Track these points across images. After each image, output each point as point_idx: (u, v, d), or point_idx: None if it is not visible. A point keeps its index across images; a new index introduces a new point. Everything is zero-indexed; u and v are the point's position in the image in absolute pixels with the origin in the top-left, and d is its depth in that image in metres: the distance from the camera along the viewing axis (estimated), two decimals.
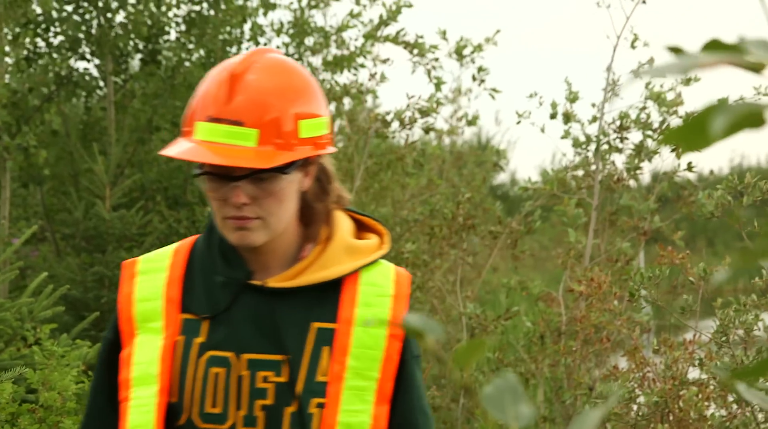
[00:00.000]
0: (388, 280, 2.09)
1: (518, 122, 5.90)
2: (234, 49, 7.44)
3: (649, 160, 5.63)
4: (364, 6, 7.46)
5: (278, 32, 7.58)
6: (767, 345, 4.19)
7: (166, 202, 7.94)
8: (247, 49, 7.56)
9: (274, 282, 2.03)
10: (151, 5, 7.46)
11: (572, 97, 5.73)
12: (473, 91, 8.27)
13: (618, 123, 5.65)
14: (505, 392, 0.82)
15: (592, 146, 5.70)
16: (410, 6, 7.35)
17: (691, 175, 5.70)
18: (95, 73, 7.73)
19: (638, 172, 5.63)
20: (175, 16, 7.74)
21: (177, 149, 1.97)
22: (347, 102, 7.64)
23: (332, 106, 7.75)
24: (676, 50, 0.71)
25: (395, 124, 7.00)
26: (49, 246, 7.99)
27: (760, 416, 4.17)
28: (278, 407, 2.00)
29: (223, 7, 7.51)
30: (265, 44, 7.56)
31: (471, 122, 8.04)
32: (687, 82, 5.53)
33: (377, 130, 7.01)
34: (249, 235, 1.98)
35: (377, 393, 2.03)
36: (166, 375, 2.01)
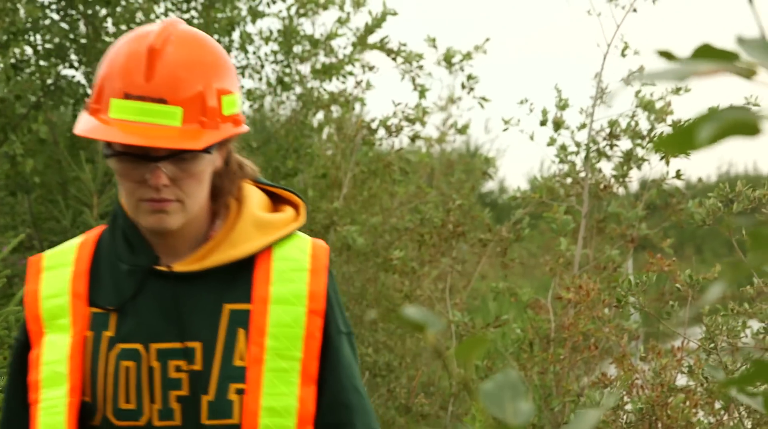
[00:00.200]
0: (304, 254, 1.96)
1: (505, 129, 5.90)
2: None
3: (638, 167, 5.64)
4: (348, 13, 7.45)
5: (266, 40, 7.57)
6: (754, 353, 4.20)
7: None
8: (236, 57, 7.55)
9: (181, 266, 1.92)
10: (140, 13, 7.45)
11: (562, 105, 5.73)
12: (463, 100, 8.28)
13: (607, 131, 5.65)
14: (504, 388, 0.79)
15: (582, 154, 5.70)
16: (394, 14, 7.35)
17: (679, 183, 5.71)
18: (83, 80, 7.71)
19: (626, 179, 5.64)
20: None
21: (93, 129, 1.85)
22: (335, 110, 7.64)
23: (320, 114, 7.75)
24: (667, 55, 0.71)
25: (381, 132, 7.01)
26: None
27: (748, 423, 4.17)
28: (194, 397, 1.88)
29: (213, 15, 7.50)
30: (254, 52, 7.55)
31: (461, 131, 8.05)
32: (677, 91, 5.54)
33: (363, 138, 7.01)
34: (167, 219, 1.87)
35: (302, 374, 1.91)
36: (76, 374, 1.91)
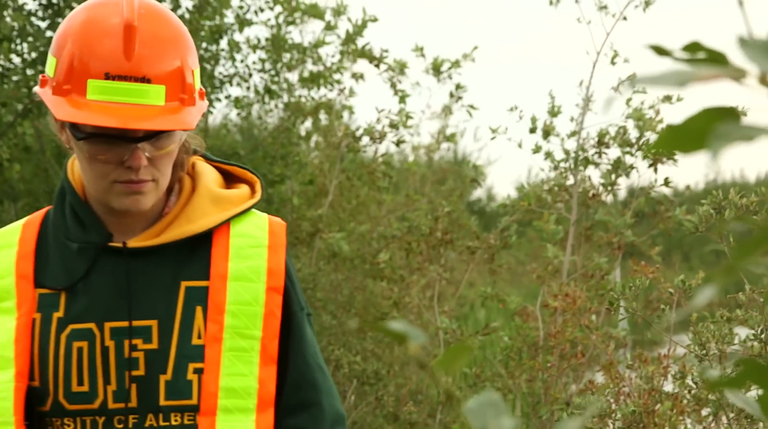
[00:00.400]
0: (262, 231, 1.91)
1: (493, 137, 5.90)
2: (209, 66, 7.42)
3: (627, 175, 5.64)
4: (329, 22, 7.44)
5: (254, 48, 7.57)
6: (741, 358, 4.19)
7: None
8: (224, 66, 7.53)
9: (136, 241, 1.85)
10: None
11: (554, 112, 5.73)
12: (451, 108, 8.28)
13: (596, 139, 5.66)
14: (487, 406, 0.81)
15: (571, 161, 5.71)
16: (374, 20, 7.34)
17: (667, 190, 5.72)
18: None
19: (615, 187, 5.64)
20: None
21: (82, 114, 1.75)
22: (324, 118, 7.63)
23: (308, 122, 7.75)
24: (659, 50, 0.70)
25: (366, 139, 7.01)
26: None
27: None
28: (151, 377, 1.81)
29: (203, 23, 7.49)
30: (242, 61, 7.54)
31: (449, 139, 8.05)
32: (668, 98, 5.55)
33: (348, 145, 7.01)
34: (142, 200, 1.82)
35: (261, 353, 1.85)
36: (23, 357, 1.82)
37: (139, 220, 1.89)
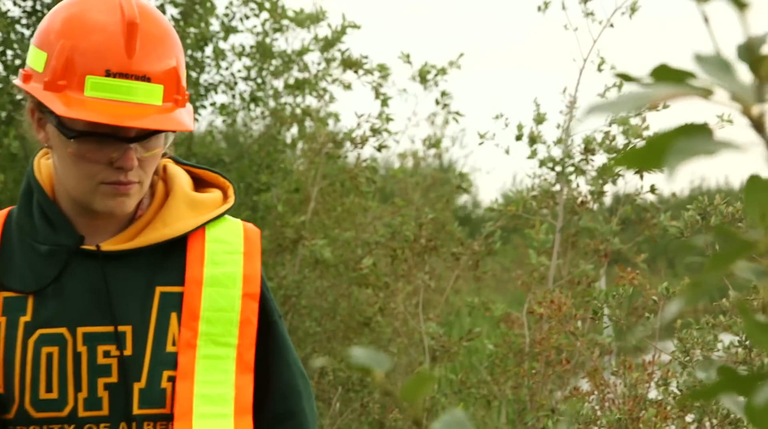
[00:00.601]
0: (237, 237, 1.87)
1: (480, 143, 5.90)
2: (194, 74, 7.40)
3: (613, 182, 5.65)
4: (308, 27, 7.43)
5: (239, 55, 7.56)
6: (719, 366, 4.19)
7: None
8: (209, 73, 7.52)
9: (110, 245, 1.80)
10: None
11: (540, 119, 5.73)
12: (438, 116, 8.27)
13: (582, 146, 5.66)
14: (453, 426, 0.81)
15: (557, 168, 5.71)
16: (354, 26, 7.34)
17: (652, 197, 5.73)
18: None
19: (602, 195, 5.65)
20: None
21: (72, 109, 1.70)
22: (309, 125, 7.63)
23: (294, 129, 7.74)
24: (624, 77, 0.70)
25: (347, 144, 7.01)
26: None
27: None
28: (124, 384, 1.76)
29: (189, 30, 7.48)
30: (227, 68, 7.53)
31: (434, 145, 8.04)
32: (653, 107, 5.55)
33: (328, 152, 7.00)
34: (127, 202, 1.78)
35: (238, 361, 1.80)
36: None
37: (111, 222, 1.83)
